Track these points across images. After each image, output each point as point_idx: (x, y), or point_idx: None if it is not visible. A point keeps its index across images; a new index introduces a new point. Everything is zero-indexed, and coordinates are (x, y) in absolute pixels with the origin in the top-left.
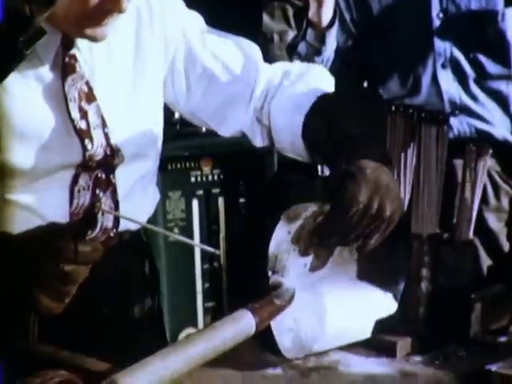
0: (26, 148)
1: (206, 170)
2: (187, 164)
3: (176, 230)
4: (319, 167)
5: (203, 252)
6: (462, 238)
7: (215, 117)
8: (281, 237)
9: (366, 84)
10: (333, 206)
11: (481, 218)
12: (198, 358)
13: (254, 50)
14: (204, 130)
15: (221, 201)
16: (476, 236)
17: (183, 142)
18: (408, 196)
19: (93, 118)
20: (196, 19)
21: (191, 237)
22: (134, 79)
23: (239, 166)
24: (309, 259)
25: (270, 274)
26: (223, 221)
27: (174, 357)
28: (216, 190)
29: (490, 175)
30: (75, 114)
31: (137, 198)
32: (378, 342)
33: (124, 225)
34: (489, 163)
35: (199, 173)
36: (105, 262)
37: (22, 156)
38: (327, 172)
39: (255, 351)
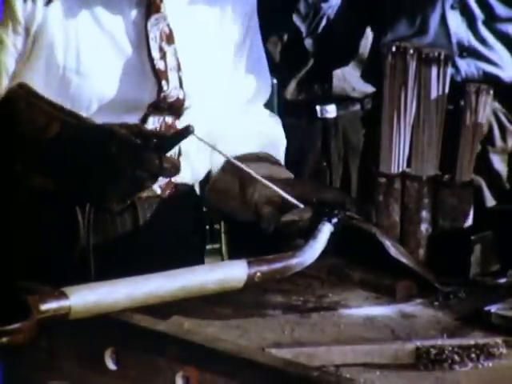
0: (99, 77)
1: None
2: None
3: None
4: (318, 109)
5: (202, 194)
6: (461, 180)
7: None
8: None
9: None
10: None
11: (486, 159)
12: (161, 293)
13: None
14: None
15: None
16: (481, 177)
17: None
18: (408, 138)
19: (170, 60)
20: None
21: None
22: (214, 39)
23: None
24: None
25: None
26: None
27: (131, 285)
28: None
29: (496, 117)
30: (155, 54)
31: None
32: (378, 284)
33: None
34: (495, 105)
35: None
36: (156, 212)
37: (94, 84)
38: (326, 114)
39: (255, 293)
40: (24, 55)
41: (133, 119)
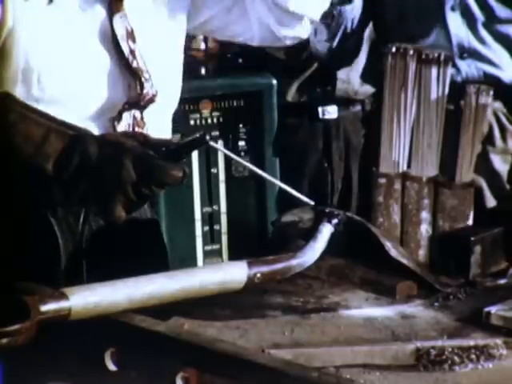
0: (74, 78)
1: (206, 112)
2: (186, 107)
3: None
4: (320, 110)
5: (203, 195)
6: (462, 181)
7: None
8: None
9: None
10: None
11: (487, 159)
12: (162, 294)
13: None
14: (203, 72)
15: (220, 144)
16: (482, 177)
17: (182, 84)
18: (408, 138)
19: (139, 57)
20: None
21: (190, 180)
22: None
23: (239, 108)
24: None
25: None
26: (222, 164)
27: (131, 286)
28: (215, 133)
29: (497, 117)
30: (127, 52)
31: None
32: (378, 285)
33: None
34: (496, 105)
35: (198, 116)
36: None
37: (69, 86)
38: (328, 115)
39: (255, 294)
40: None
41: (107, 116)
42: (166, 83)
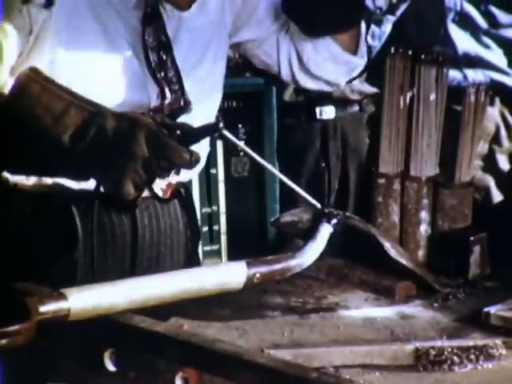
0: (100, 79)
1: None
2: None
3: None
4: (317, 111)
5: (202, 195)
6: (461, 180)
7: None
8: None
9: None
10: None
11: (493, 159)
12: (161, 295)
13: None
14: None
15: (219, 144)
16: (489, 175)
17: None
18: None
19: (170, 69)
20: None
21: (189, 180)
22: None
23: (238, 109)
24: None
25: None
26: (222, 164)
27: (131, 286)
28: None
29: (503, 117)
30: (154, 63)
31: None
32: (377, 285)
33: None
34: (495, 105)
35: None
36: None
37: (95, 86)
38: (325, 115)
39: (255, 294)
40: (24, 53)
41: None
42: (204, 98)
